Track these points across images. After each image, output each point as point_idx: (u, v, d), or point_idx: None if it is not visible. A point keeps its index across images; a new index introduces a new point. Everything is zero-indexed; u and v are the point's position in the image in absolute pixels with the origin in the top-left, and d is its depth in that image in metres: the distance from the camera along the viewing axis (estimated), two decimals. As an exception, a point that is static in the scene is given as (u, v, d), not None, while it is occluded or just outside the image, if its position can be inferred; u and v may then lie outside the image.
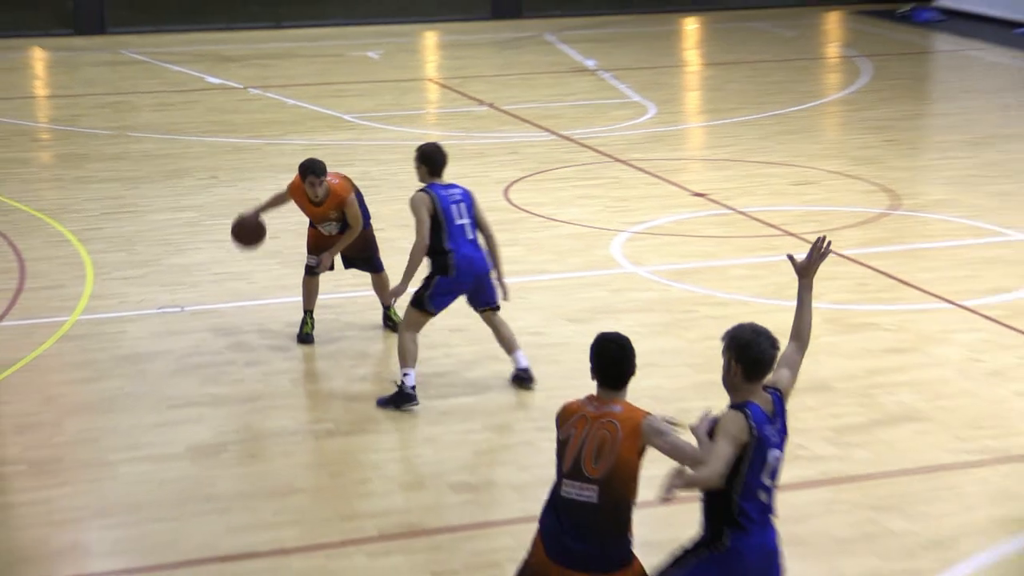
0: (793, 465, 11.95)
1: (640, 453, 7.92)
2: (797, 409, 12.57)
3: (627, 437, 7.88)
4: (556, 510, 8.12)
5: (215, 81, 28.43)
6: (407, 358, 13.29)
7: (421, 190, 13.66)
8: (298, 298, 14.99)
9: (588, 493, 7.96)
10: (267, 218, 14.86)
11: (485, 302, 13.93)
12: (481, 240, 13.82)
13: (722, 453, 7.75)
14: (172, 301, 15.95)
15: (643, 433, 7.90)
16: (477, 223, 13.88)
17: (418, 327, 13.65)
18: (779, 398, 8.19)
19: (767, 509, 8.09)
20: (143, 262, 17.29)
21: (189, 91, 27.75)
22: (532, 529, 8.36)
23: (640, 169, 21.78)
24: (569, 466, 7.98)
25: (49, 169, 23.03)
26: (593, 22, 33.72)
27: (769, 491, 8.07)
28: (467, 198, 13.89)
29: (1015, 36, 32.53)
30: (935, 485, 12.41)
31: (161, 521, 11.14)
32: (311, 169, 14.78)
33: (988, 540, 11.37)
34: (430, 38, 32.46)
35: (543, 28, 32.96)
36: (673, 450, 7.94)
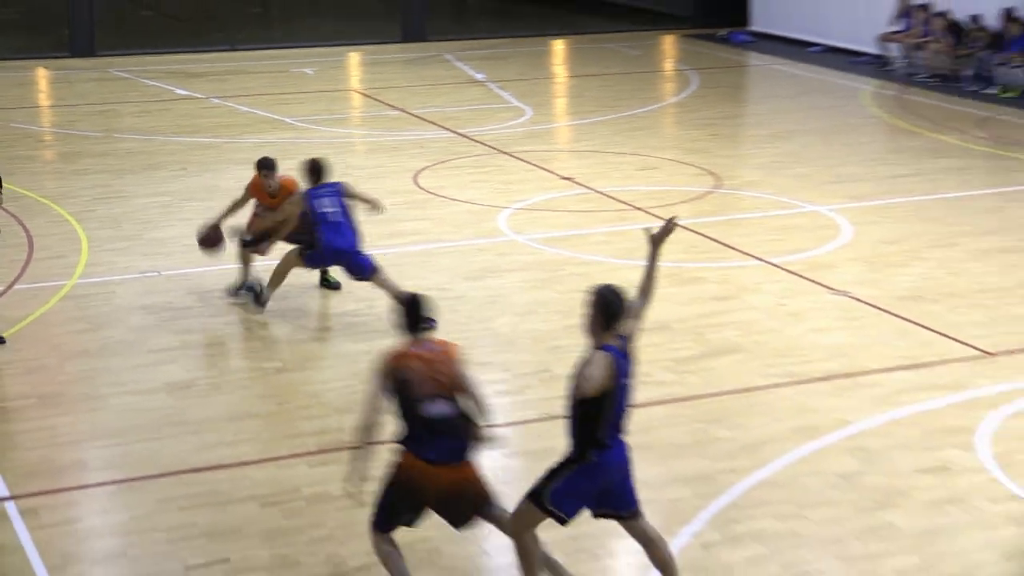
0: (641, 389, 11.97)
1: (464, 376, 8.52)
2: (644, 345, 12.63)
3: (457, 364, 8.45)
4: (420, 428, 8.42)
5: (183, 92, 28.24)
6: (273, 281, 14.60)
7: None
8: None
9: (445, 408, 8.40)
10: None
11: (358, 273, 14.46)
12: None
13: (597, 372, 8.06)
14: (151, 267, 16.39)
15: (463, 361, 8.57)
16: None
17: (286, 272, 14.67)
18: (626, 341, 8.41)
19: (621, 429, 8.43)
20: (128, 236, 17.77)
21: (163, 101, 27.73)
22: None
23: (520, 159, 21.96)
24: (428, 391, 8.30)
25: (51, 164, 23.17)
26: (482, 44, 33.64)
27: (623, 413, 8.40)
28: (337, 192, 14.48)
29: (810, 54, 32.64)
30: (750, 402, 12.59)
31: (144, 442, 11.73)
32: (265, 164, 14.98)
33: (791, 444, 11.49)
34: (354, 58, 32.37)
35: (443, 49, 32.94)
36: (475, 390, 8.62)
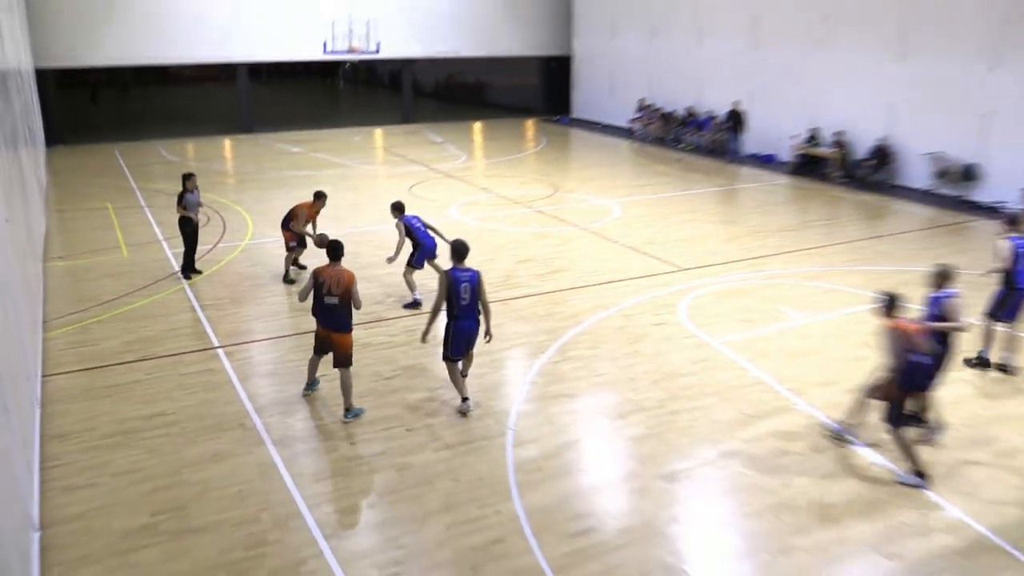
0: (521, 288, 11.99)
1: (353, 284, 8.35)
2: (520, 268, 12.50)
3: (349, 277, 8.36)
4: (323, 308, 8.41)
5: (295, 150, 27.46)
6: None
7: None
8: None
9: (335, 300, 8.34)
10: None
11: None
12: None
13: (439, 291, 8.32)
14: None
15: (352, 280, 8.40)
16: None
17: None
18: (476, 274, 8.41)
19: (465, 310, 8.39)
20: (271, 222, 16.74)
21: (285, 154, 26.60)
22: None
23: (460, 179, 21.71)
24: (327, 290, 8.30)
25: (231, 185, 22.14)
26: (440, 124, 33.11)
27: (463, 300, 8.32)
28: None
29: (599, 127, 32.72)
30: (575, 295, 12.35)
31: (291, 318, 10.70)
32: (323, 195, 13.12)
33: (593, 314, 11.34)
34: (378, 131, 31.70)
35: (421, 127, 32.45)
36: (356, 296, 8.46)
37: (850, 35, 22.88)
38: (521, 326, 11.32)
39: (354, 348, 9.90)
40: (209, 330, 10.98)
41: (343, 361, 8.48)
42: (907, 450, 7.52)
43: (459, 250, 8.38)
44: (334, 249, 8.46)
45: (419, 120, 33.63)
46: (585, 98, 34.89)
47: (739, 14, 26.43)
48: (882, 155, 21.83)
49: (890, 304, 7.65)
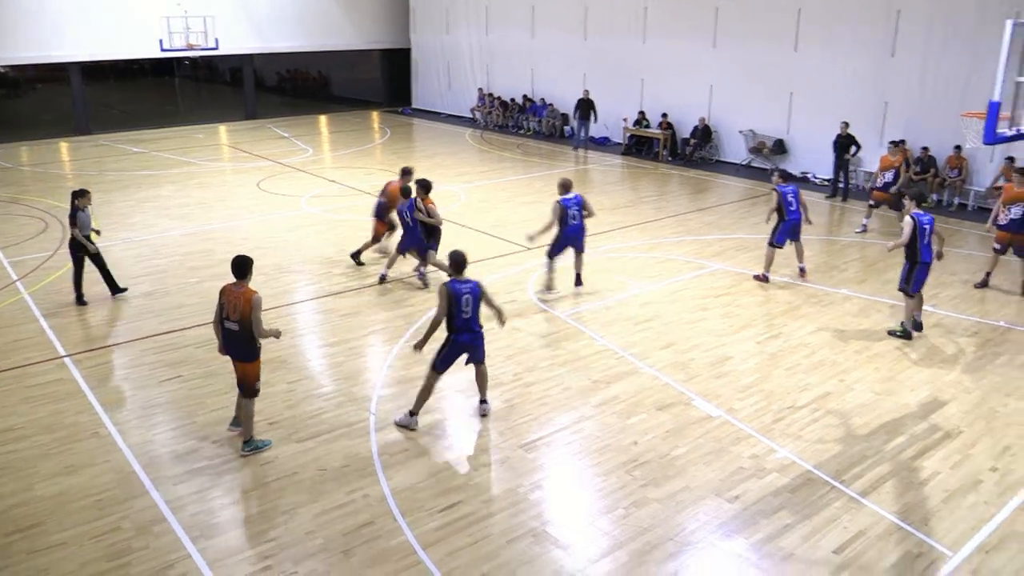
0: (352, 281, 11.79)
1: (253, 310, 7.12)
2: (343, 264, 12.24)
3: (247, 301, 7.15)
4: (224, 332, 7.31)
5: (136, 150, 25.93)
6: None
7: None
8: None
9: (234, 326, 7.23)
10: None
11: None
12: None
13: (439, 304, 7.65)
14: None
15: (253, 302, 7.13)
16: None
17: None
18: (477, 285, 7.75)
19: (467, 323, 7.71)
20: (119, 224, 15.63)
21: (125, 154, 25.19)
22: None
23: (308, 173, 21.12)
24: (225, 313, 7.22)
25: (70, 185, 20.64)
26: (286, 119, 32.13)
27: (464, 313, 7.66)
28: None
29: (441, 117, 32.61)
30: (409, 281, 12.17)
31: None
32: (410, 170, 12.62)
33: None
34: (223, 127, 30.37)
35: (267, 123, 31.33)
36: (256, 323, 7.17)
37: (671, 24, 23.73)
38: (378, 313, 11.14)
39: (211, 346, 9.48)
40: (54, 339, 10.17)
41: (246, 392, 7.42)
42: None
43: (458, 262, 7.67)
44: (237, 266, 7.22)
45: (264, 116, 32.42)
46: (425, 89, 34.63)
47: (570, 5, 26.90)
48: (704, 134, 22.83)
49: None
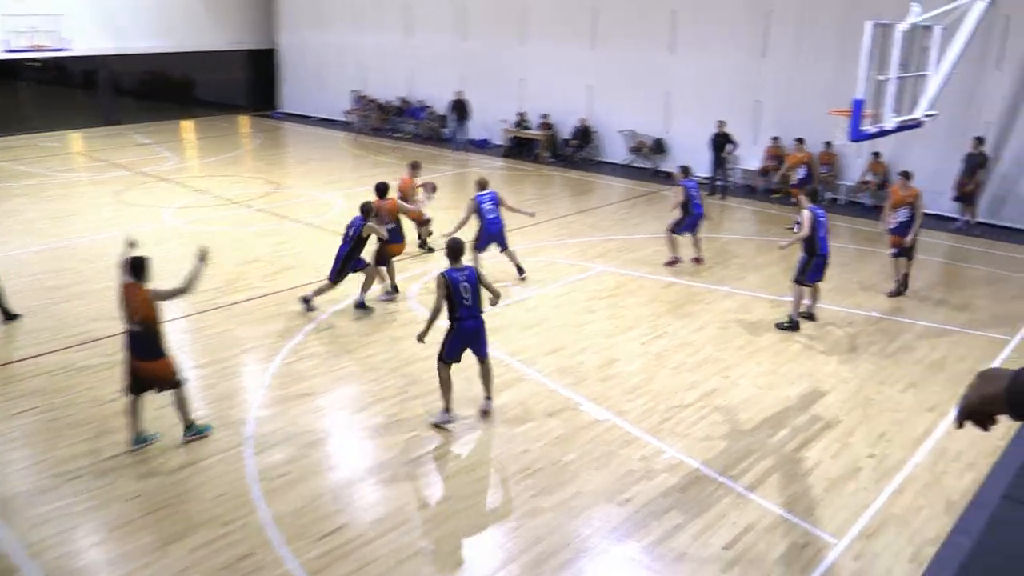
0: (247, 291, 11.53)
1: (153, 306, 7.30)
2: (250, 269, 12.04)
3: (144, 301, 7.26)
4: (130, 335, 7.39)
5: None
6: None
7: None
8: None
9: (135, 327, 7.33)
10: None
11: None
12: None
13: (437, 294, 7.82)
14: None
15: (150, 295, 7.30)
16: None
17: None
18: (473, 270, 7.93)
19: (470, 310, 7.88)
20: None
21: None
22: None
23: (172, 182, 20.31)
24: (128, 316, 7.33)
25: None
26: (146, 125, 30.90)
27: (465, 300, 7.81)
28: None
29: (313, 120, 32.05)
30: (302, 290, 12.01)
31: None
32: (419, 164, 13.75)
33: (321, 311, 11.09)
34: (76, 135, 28.91)
35: (127, 129, 30.03)
36: (165, 298, 7.41)
37: (550, 26, 24.08)
38: (252, 330, 10.82)
39: (70, 372, 8.99)
40: None
41: (168, 386, 7.55)
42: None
43: (454, 249, 7.89)
44: (133, 267, 7.31)
45: (123, 122, 31.07)
46: (295, 92, 33.95)
47: (447, 5, 26.90)
48: (584, 135, 23.28)
49: None
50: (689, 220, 13.01)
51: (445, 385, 8.10)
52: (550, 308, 11.50)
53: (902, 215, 11.74)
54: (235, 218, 16.72)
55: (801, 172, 15.70)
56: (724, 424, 8.27)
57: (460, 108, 25.71)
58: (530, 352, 9.99)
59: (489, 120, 26.07)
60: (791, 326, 10.64)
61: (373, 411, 8.47)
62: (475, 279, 7.82)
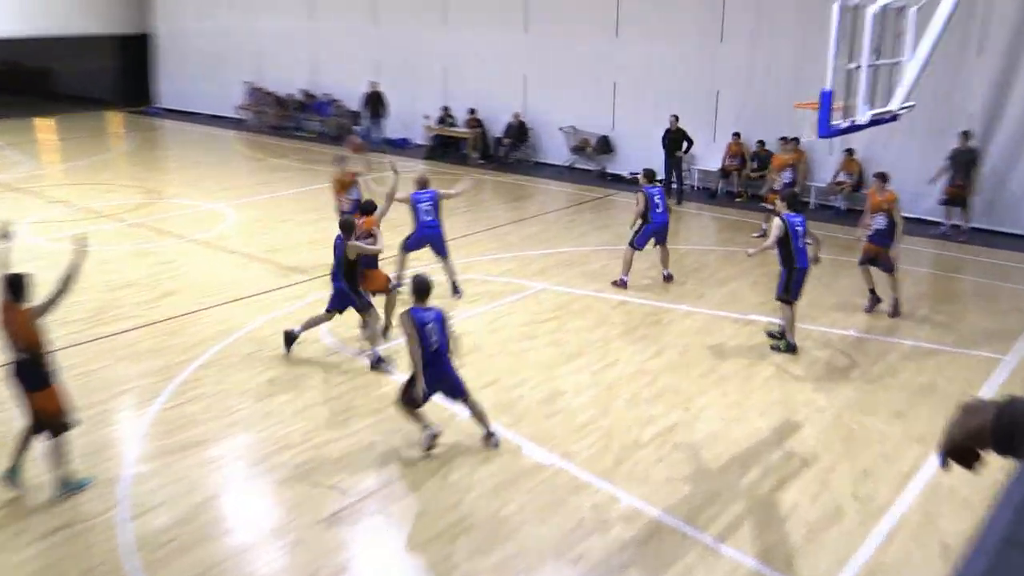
0: (122, 322, 11.31)
1: (36, 328, 7.33)
2: (124, 294, 11.84)
3: (25, 323, 7.27)
4: (16, 365, 7.44)
5: None
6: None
7: None
8: None
9: (21, 355, 7.40)
10: None
11: None
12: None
13: (407, 335, 8.05)
14: None
15: (30, 316, 7.28)
16: None
17: None
18: (440, 312, 8.08)
19: (438, 354, 8.09)
20: None
21: None
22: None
23: (28, 191, 19.69)
24: (10, 343, 7.39)
25: None
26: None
27: (432, 345, 8.01)
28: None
29: (200, 116, 31.57)
30: (189, 320, 11.81)
31: None
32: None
33: (215, 342, 10.95)
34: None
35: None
36: (44, 312, 7.40)
37: (477, 7, 24.20)
38: (127, 368, 10.56)
39: None
40: None
41: (54, 429, 7.52)
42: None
43: (420, 288, 8.05)
44: (11, 285, 7.37)
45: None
46: (176, 84, 33.49)
47: (353, -16, 26.90)
48: (519, 132, 23.42)
49: None
50: (649, 228, 13.13)
51: (413, 417, 8.49)
52: (483, 334, 11.49)
53: (879, 222, 12.04)
54: (104, 235, 16.32)
55: (787, 175, 15.87)
56: (687, 464, 8.33)
57: (375, 102, 25.68)
58: (461, 386, 9.91)
59: (408, 116, 26.04)
60: (789, 348, 10.82)
61: (275, 462, 8.31)
62: (442, 321, 8.05)
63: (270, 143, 26.88)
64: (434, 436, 8.44)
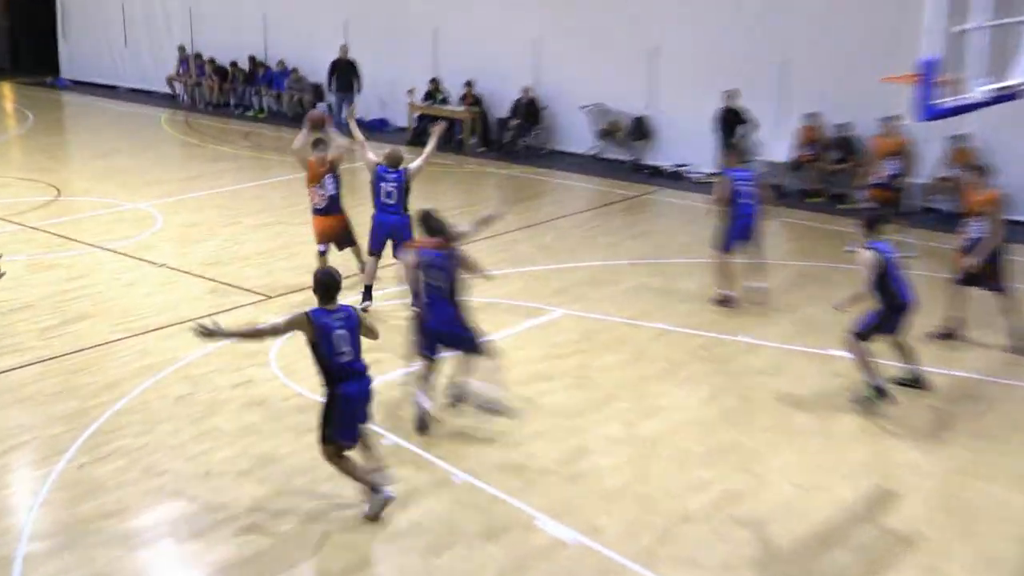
0: (15, 356, 11.36)
1: None
2: (14, 322, 11.92)
3: None
4: None
5: None
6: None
7: None
8: None
9: None
10: None
11: None
12: None
13: (275, 324, 8.35)
14: None
15: None
16: None
17: None
18: (353, 311, 8.16)
19: (351, 367, 8.06)
20: None
21: None
22: None
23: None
24: None
25: None
26: None
27: (343, 355, 7.99)
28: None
29: (120, 92, 31.80)
30: (105, 353, 12.11)
31: None
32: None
33: (139, 380, 11.15)
34: None
35: None
36: None
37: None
38: (23, 414, 10.50)
39: None
40: None
41: None
42: None
43: (326, 283, 8.09)
44: None
45: None
46: (88, 50, 33.53)
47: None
48: (529, 112, 23.40)
49: None
50: (736, 227, 13.27)
51: (351, 471, 8.41)
52: (485, 372, 11.45)
53: (977, 229, 12.02)
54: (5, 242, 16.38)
55: (891, 166, 15.74)
56: (751, 544, 8.23)
57: (344, 72, 25.67)
58: (450, 442, 9.91)
59: (387, 91, 26.06)
60: (878, 393, 10.61)
61: (215, 538, 8.24)
62: (355, 324, 8.07)
63: (208, 125, 26.88)
64: (387, 501, 8.41)
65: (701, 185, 20.33)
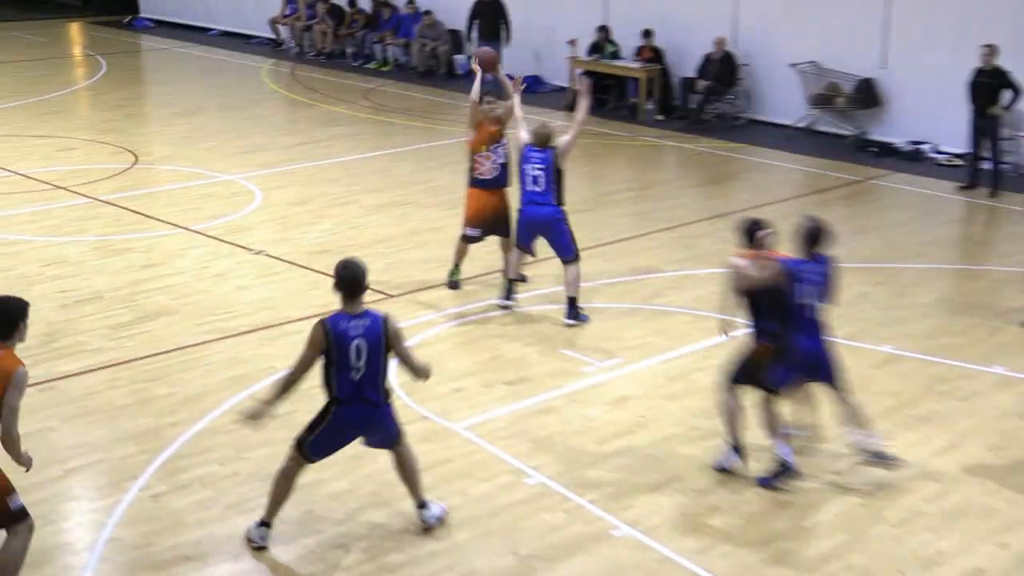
0: (80, 357, 11.64)
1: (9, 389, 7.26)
2: (80, 316, 12.24)
3: (4, 373, 7.25)
4: None
5: None
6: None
7: None
8: None
9: None
10: None
11: None
12: None
13: (303, 352, 8.27)
14: None
15: (14, 379, 7.26)
16: None
17: None
18: (379, 321, 8.19)
19: (359, 388, 8.19)
20: None
21: None
22: None
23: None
24: None
25: None
26: None
27: (355, 372, 8.13)
28: None
29: (210, 37, 32.39)
30: (186, 359, 12.31)
31: None
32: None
33: (227, 394, 11.28)
34: None
35: None
36: (10, 414, 7.40)
37: None
38: (87, 431, 10.75)
39: None
40: None
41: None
42: None
43: (348, 280, 8.20)
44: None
45: None
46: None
47: None
48: (724, 71, 23.22)
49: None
50: None
51: (283, 491, 8.76)
52: (658, 401, 11.42)
53: None
54: (59, 216, 16.79)
55: None
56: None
57: (489, 17, 25.75)
58: (616, 480, 9.91)
59: (542, 41, 26.16)
60: None
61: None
62: (379, 336, 8.15)
63: (320, 80, 27.26)
64: (260, 541, 8.77)
65: (946, 169, 19.92)
